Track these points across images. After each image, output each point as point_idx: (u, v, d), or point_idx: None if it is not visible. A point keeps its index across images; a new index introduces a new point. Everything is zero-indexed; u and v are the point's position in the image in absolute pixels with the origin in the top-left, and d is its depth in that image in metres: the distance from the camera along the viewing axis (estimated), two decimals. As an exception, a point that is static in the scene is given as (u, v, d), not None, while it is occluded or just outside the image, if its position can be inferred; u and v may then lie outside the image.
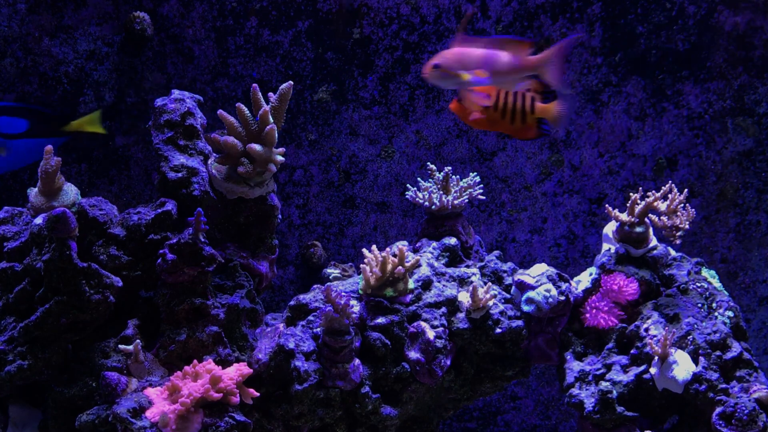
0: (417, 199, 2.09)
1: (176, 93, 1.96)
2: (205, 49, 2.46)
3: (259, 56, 2.48)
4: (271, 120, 1.87)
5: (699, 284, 1.94)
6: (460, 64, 1.67)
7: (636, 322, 1.90)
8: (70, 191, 1.86)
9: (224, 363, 1.78)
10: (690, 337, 1.83)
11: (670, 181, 2.01)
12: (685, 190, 2.02)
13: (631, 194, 1.98)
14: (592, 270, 2.00)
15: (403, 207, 2.62)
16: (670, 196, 1.98)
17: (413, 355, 1.87)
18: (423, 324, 1.88)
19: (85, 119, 2.35)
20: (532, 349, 1.97)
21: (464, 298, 1.94)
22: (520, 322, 1.94)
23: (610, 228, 2.05)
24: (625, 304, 1.92)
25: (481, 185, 2.11)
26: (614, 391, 1.82)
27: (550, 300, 1.91)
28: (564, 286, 1.94)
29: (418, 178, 2.18)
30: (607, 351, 1.90)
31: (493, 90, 1.70)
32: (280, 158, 1.89)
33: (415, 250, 2.08)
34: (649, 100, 2.59)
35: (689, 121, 2.61)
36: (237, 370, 1.70)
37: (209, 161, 1.94)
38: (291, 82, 1.88)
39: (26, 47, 2.39)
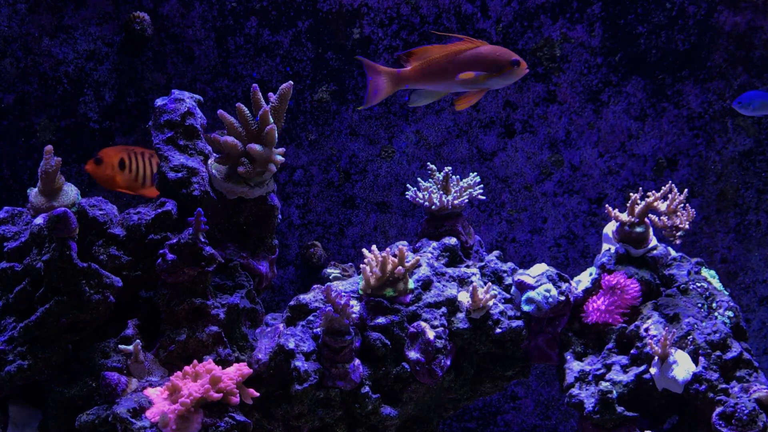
0: (417, 199, 2.09)
1: (176, 93, 1.96)
2: (205, 49, 2.46)
3: (259, 56, 2.48)
4: (271, 120, 1.87)
5: (699, 284, 1.94)
6: None
7: (636, 322, 1.90)
8: (70, 191, 1.86)
9: (224, 363, 1.78)
10: (690, 337, 1.83)
11: (670, 181, 2.01)
12: (685, 190, 2.02)
13: (631, 194, 1.98)
14: (592, 270, 2.00)
15: (403, 207, 2.62)
16: (670, 196, 1.98)
17: (413, 355, 1.87)
18: (423, 324, 1.88)
19: None
20: (532, 349, 1.97)
21: (464, 298, 1.94)
22: (520, 322, 1.94)
23: (610, 228, 2.05)
24: (625, 304, 1.92)
25: (481, 185, 2.11)
26: (614, 391, 1.82)
27: (550, 300, 1.91)
28: (564, 286, 1.94)
29: (418, 178, 2.18)
30: (607, 351, 1.90)
31: (125, 156, 1.96)
32: (280, 158, 1.89)
33: (415, 250, 2.08)
34: (649, 100, 2.59)
35: (689, 121, 2.61)
36: (237, 370, 1.70)
37: (209, 161, 1.94)
38: (291, 82, 1.88)
39: (26, 47, 2.39)
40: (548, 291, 1.91)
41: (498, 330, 1.92)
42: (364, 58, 1.88)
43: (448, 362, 1.90)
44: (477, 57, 1.78)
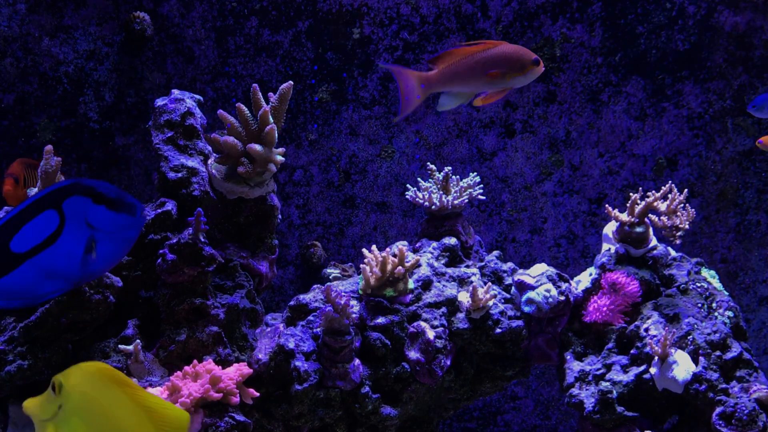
0: (417, 199, 2.09)
1: (176, 93, 1.96)
2: (205, 49, 2.46)
3: (259, 56, 2.48)
4: (271, 120, 1.87)
5: (699, 284, 1.94)
6: None
7: (636, 322, 1.90)
8: (70, 191, 1.86)
9: (224, 363, 1.78)
10: (690, 337, 1.83)
11: (670, 181, 2.01)
12: (685, 190, 2.02)
13: (631, 194, 1.98)
14: (592, 270, 2.00)
15: (403, 207, 2.62)
16: (670, 196, 1.98)
17: (413, 355, 1.87)
18: (423, 324, 1.88)
19: None
20: (532, 349, 1.97)
21: (464, 298, 1.94)
22: (520, 322, 1.94)
23: (610, 228, 2.05)
24: (626, 304, 1.92)
25: (481, 185, 2.11)
26: (614, 391, 1.82)
27: (550, 300, 1.91)
28: (564, 286, 1.94)
29: (418, 178, 2.18)
30: (607, 351, 1.90)
31: (24, 173, 1.96)
32: (280, 158, 1.89)
33: (415, 250, 2.08)
34: (649, 100, 2.59)
35: (689, 121, 2.61)
36: (237, 370, 1.70)
37: (209, 161, 1.94)
38: (291, 82, 1.89)
39: (26, 47, 2.39)
40: (548, 291, 1.91)
41: (498, 330, 1.92)
42: (391, 65, 1.92)
43: (448, 362, 1.90)
44: (502, 56, 1.82)
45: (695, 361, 1.80)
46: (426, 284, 1.96)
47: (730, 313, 1.89)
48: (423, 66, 2.52)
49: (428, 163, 2.14)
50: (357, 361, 1.82)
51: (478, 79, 1.83)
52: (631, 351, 1.87)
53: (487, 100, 1.87)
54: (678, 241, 1.95)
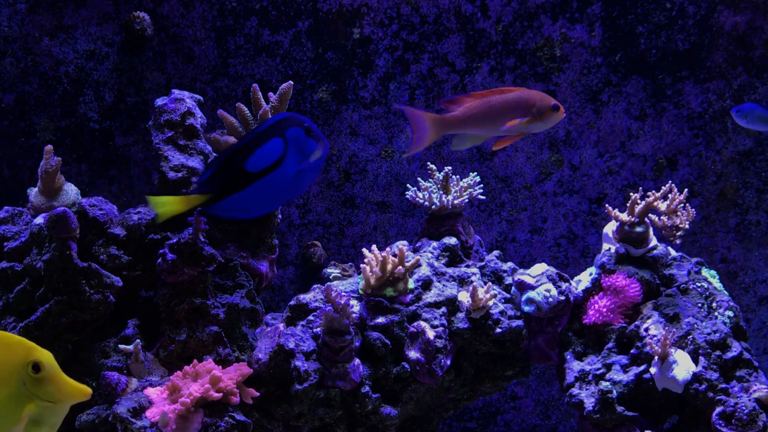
0: (417, 199, 2.09)
1: (176, 93, 1.97)
2: (205, 49, 2.46)
3: (259, 56, 2.48)
4: (271, 120, 1.87)
5: (699, 284, 1.94)
6: None
7: (636, 322, 1.90)
8: (70, 191, 1.86)
9: (224, 363, 1.78)
10: (690, 337, 1.83)
11: (670, 181, 2.01)
12: (685, 190, 2.02)
13: (631, 194, 1.99)
14: (592, 270, 2.00)
15: (403, 207, 2.62)
16: (670, 196, 1.98)
17: (413, 354, 1.87)
18: (423, 324, 1.88)
19: None
20: (532, 349, 1.97)
21: (464, 297, 1.94)
22: (520, 322, 1.94)
23: (610, 228, 2.05)
24: (626, 304, 1.92)
25: (481, 185, 2.11)
26: (614, 391, 1.82)
27: (550, 300, 1.91)
28: (564, 285, 1.94)
29: (418, 178, 2.18)
30: (607, 351, 1.90)
31: None
32: (280, 158, 1.89)
33: (415, 250, 2.08)
34: (649, 100, 2.59)
35: (689, 121, 2.61)
36: (237, 370, 1.70)
37: (209, 161, 1.94)
38: (291, 82, 1.89)
39: (26, 47, 2.39)
40: (548, 291, 1.91)
41: (498, 330, 1.92)
42: (406, 107, 1.96)
43: (448, 362, 1.90)
44: (519, 102, 1.83)
45: (695, 361, 1.80)
46: (426, 284, 1.96)
47: (730, 313, 1.89)
48: (423, 65, 2.53)
49: (428, 163, 2.14)
50: (357, 361, 1.82)
51: (493, 123, 1.84)
52: (631, 351, 1.87)
53: (503, 142, 1.89)
54: (678, 241, 1.95)
